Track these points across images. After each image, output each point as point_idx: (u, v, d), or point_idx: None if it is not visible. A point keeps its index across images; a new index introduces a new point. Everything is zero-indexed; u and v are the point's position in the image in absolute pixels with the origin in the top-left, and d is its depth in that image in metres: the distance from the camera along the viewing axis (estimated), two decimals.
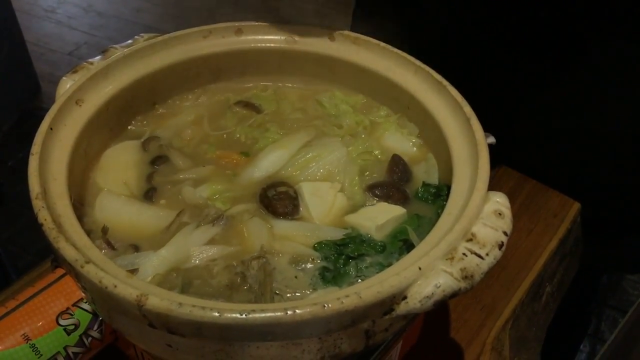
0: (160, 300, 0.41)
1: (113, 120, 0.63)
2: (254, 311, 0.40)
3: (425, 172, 0.63)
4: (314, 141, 0.65)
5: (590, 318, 1.55)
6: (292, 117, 0.70)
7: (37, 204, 0.48)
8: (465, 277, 0.44)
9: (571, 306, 1.05)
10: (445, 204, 0.52)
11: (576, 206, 0.89)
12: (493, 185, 0.50)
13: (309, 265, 0.53)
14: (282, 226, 0.56)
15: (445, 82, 0.61)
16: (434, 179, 0.62)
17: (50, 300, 0.61)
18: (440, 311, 0.75)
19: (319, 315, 0.41)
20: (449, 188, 0.54)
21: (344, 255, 0.53)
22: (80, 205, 0.57)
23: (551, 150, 0.93)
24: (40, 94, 2.65)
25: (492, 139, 0.59)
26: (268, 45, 0.70)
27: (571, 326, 1.33)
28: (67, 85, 0.60)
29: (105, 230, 0.55)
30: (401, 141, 0.66)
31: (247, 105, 0.70)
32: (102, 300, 0.46)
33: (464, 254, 0.45)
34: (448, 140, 0.58)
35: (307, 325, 0.41)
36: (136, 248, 0.54)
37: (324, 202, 0.58)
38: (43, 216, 0.47)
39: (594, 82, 0.83)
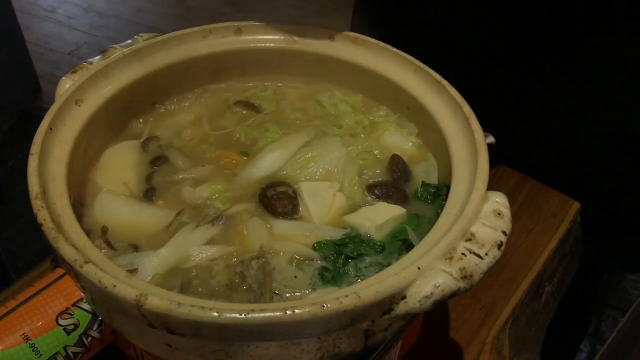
0: (160, 300, 0.41)
1: (112, 120, 0.63)
2: (253, 311, 0.40)
3: (425, 172, 0.63)
4: (313, 141, 0.65)
5: (590, 318, 1.55)
6: (292, 116, 0.70)
7: (37, 204, 0.48)
8: (464, 277, 0.44)
9: (571, 306, 1.05)
10: (444, 204, 0.52)
11: (576, 206, 0.89)
12: (493, 185, 0.51)
13: (308, 265, 0.53)
14: (282, 226, 0.56)
15: (444, 82, 0.61)
16: (433, 178, 0.62)
17: (50, 300, 0.61)
18: (439, 311, 0.75)
19: (318, 315, 0.41)
20: (448, 188, 0.54)
21: (343, 255, 0.53)
22: (79, 205, 0.57)
23: (551, 150, 0.93)
24: (40, 94, 2.65)
25: (491, 139, 0.59)
26: (268, 45, 0.70)
27: (571, 326, 1.33)
28: (66, 85, 0.60)
29: (104, 230, 0.55)
30: (401, 141, 0.66)
31: (247, 105, 0.70)
32: (101, 300, 0.46)
33: (463, 253, 0.45)
34: (447, 140, 0.58)
35: (306, 325, 0.41)
36: (136, 248, 0.54)
37: (324, 202, 0.58)
38: (42, 216, 0.47)
39: (594, 81, 0.83)
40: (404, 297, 0.43)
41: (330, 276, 0.52)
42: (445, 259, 0.45)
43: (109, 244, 0.54)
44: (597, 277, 1.29)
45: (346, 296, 0.41)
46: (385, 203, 0.59)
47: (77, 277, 0.45)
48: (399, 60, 0.65)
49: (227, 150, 0.65)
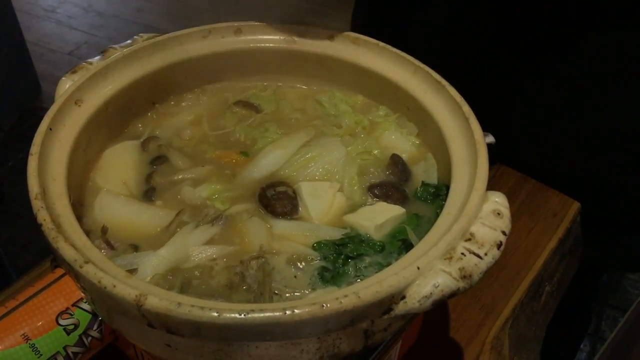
0: (159, 300, 0.41)
1: (112, 120, 0.63)
2: (252, 311, 0.40)
3: (425, 172, 0.63)
4: (313, 141, 0.65)
5: (590, 317, 1.55)
6: (292, 117, 0.70)
7: (37, 204, 0.48)
8: (463, 277, 0.44)
9: (571, 305, 1.05)
10: (444, 204, 0.52)
11: (576, 205, 0.89)
12: (493, 185, 0.51)
13: (308, 265, 0.53)
14: (281, 226, 0.56)
15: (444, 82, 0.61)
16: (433, 178, 0.62)
17: (50, 300, 0.61)
18: (439, 311, 0.75)
19: (317, 315, 0.41)
20: (447, 188, 0.54)
21: (343, 255, 0.53)
22: (79, 205, 0.57)
23: (551, 149, 0.93)
24: (40, 94, 2.65)
25: (491, 139, 0.60)
26: (267, 45, 0.70)
27: (571, 325, 1.33)
28: (66, 85, 0.60)
29: (104, 230, 0.55)
30: (400, 141, 0.66)
31: (247, 105, 0.70)
32: (101, 300, 0.46)
33: (462, 253, 0.45)
34: (447, 140, 0.58)
35: (305, 325, 0.42)
36: (135, 248, 0.54)
37: (323, 202, 0.58)
38: (42, 216, 0.47)
39: (594, 81, 0.83)
40: (403, 297, 0.43)
41: (330, 276, 0.52)
42: (445, 259, 0.45)
43: (108, 244, 0.54)
44: (597, 277, 1.29)
45: (346, 296, 0.41)
46: (385, 203, 0.59)
47: (77, 277, 0.45)
48: (398, 60, 0.65)
49: (226, 150, 0.65)
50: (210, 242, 0.55)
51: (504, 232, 0.47)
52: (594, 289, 1.33)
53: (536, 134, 0.92)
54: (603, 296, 1.75)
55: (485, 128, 0.57)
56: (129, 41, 0.66)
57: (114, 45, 0.65)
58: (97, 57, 0.64)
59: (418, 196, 0.60)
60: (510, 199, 0.51)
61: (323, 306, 0.41)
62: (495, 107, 0.79)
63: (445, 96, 0.60)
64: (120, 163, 0.62)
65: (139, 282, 0.45)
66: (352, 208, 0.59)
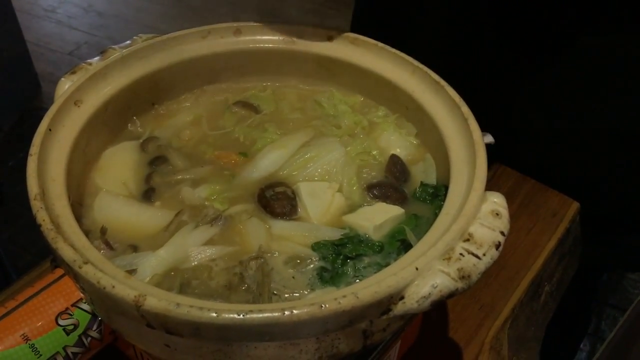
0: (158, 301, 0.41)
1: (112, 121, 0.64)
2: (251, 311, 0.40)
3: (423, 172, 0.63)
4: (312, 141, 0.66)
5: (590, 317, 1.55)
6: (291, 117, 0.70)
7: (36, 205, 0.48)
8: (462, 277, 0.44)
9: (571, 305, 1.05)
10: (442, 204, 0.52)
11: (575, 205, 0.89)
12: (492, 185, 0.51)
13: (307, 266, 0.53)
14: (280, 226, 0.57)
15: (443, 82, 0.61)
16: (432, 179, 0.62)
17: (50, 301, 0.61)
18: (438, 311, 0.75)
19: (316, 315, 0.41)
20: (446, 188, 0.54)
21: (342, 255, 0.53)
22: (79, 206, 0.57)
23: (550, 149, 0.93)
24: (41, 94, 2.65)
25: (490, 139, 0.60)
26: (267, 45, 0.70)
27: (571, 325, 1.33)
28: (65, 86, 0.60)
29: (103, 230, 0.55)
30: (399, 141, 0.66)
31: (246, 105, 0.70)
32: (100, 300, 0.46)
33: (461, 254, 0.45)
34: (446, 140, 0.58)
35: (304, 326, 0.42)
36: (135, 248, 0.54)
37: (322, 202, 0.58)
38: (41, 217, 0.47)
39: (593, 81, 0.83)
40: (402, 298, 0.43)
41: (329, 276, 0.52)
42: (443, 260, 0.45)
43: (108, 245, 0.54)
44: (597, 277, 1.29)
45: (344, 296, 0.41)
46: (384, 203, 0.59)
47: (76, 277, 0.45)
48: (397, 61, 0.65)
49: (226, 151, 0.65)
50: (209, 242, 0.55)
51: (502, 233, 0.47)
52: (594, 288, 1.33)
53: (535, 134, 0.92)
54: (603, 296, 1.75)
55: (484, 128, 0.57)
56: (128, 42, 0.66)
57: (113, 46, 0.65)
58: (97, 58, 0.64)
59: (417, 196, 0.60)
60: (510, 199, 0.51)
61: (322, 307, 0.41)
62: (494, 107, 0.79)
63: (444, 96, 0.60)
64: (119, 163, 0.62)
65: (138, 283, 0.45)
66: (351, 208, 0.59)
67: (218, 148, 0.65)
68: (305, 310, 0.41)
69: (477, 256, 0.45)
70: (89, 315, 0.62)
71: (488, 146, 0.55)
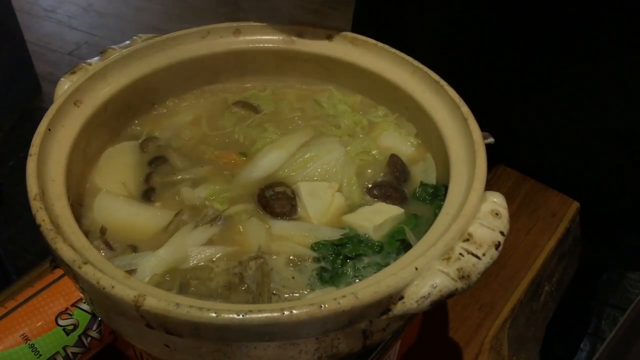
0: (158, 301, 0.41)
1: (111, 121, 0.64)
2: (251, 312, 0.40)
3: (423, 172, 0.63)
4: (312, 141, 0.66)
5: (590, 317, 1.55)
6: (291, 117, 0.70)
7: (35, 205, 0.48)
8: (461, 277, 0.44)
9: (571, 305, 1.05)
10: (442, 204, 0.52)
11: (575, 205, 0.89)
12: (492, 185, 0.51)
13: (307, 266, 0.53)
14: (280, 226, 0.57)
15: (442, 82, 0.61)
16: (431, 178, 0.62)
17: (50, 301, 0.61)
18: (438, 310, 0.75)
19: (315, 315, 0.41)
20: (446, 188, 0.54)
21: (341, 255, 0.53)
22: (78, 206, 0.57)
23: (550, 149, 0.93)
24: (41, 94, 2.66)
25: (490, 139, 0.60)
26: (266, 45, 0.70)
27: (571, 325, 1.33)
28: (65, 86, 0.60)
29: (103, 230, 0.55)
30: (399, 141, 0.66)
31: (246, 105, 0.70)
32: (100, 301, 0.46)
33: (460, 254, 0.45)
34: (446, 140, 0.58)
35: (304, 326, 0.42)
36: (134, 248, 0.54)
37: (322, 202, 0.58)
38: (41, 217, 0.47)
39: (593, 81, 0.83)
40: (401, 298, 0.43)
41: (329, 276, 0.52)
42: (443, 260, 0.45)
43: (107, 245, 0.54)
44: (597, 277, 1.29)
45: (344, 297, 0.41)
46: (384, 203, 0.59)
47: (76, 278, 0.45)
48: (397, 61, 0.65)
49: (225, 151, 0.65)
50: (209, 242, 0.55)
51: (502, 233, 0.47)
52: (594, 288, 1.33)
53: (535, 134, 0.92)
54: (603, 296, 1.75)
55: (484, 128, 0.57)
56: (127, 42, 0.66)
57: (113, 46, 0.65)
58: (96, 58, 0.64)
59: (417, 196, 0.60)
60: (510, 199, 0.51)
61: (321, 307, 0.41)
62: (494, 107, 0.79)
63: (444, 96, 0.60)
64: (119, 164, 0.62)
65: (138, 283, 0.45)
66: (351, 208, 0.59)
67: (218, 148, 0.65)
68: (305, 310, 0.41)
69: (476, 256, 0.45)
70: (89, 316, 0.62)
71: (489, 146, 0.55)
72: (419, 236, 0.49)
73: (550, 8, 0.80)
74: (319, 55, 0.69)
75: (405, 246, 0.54)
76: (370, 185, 0.61)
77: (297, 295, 0.51)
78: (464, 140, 0.56)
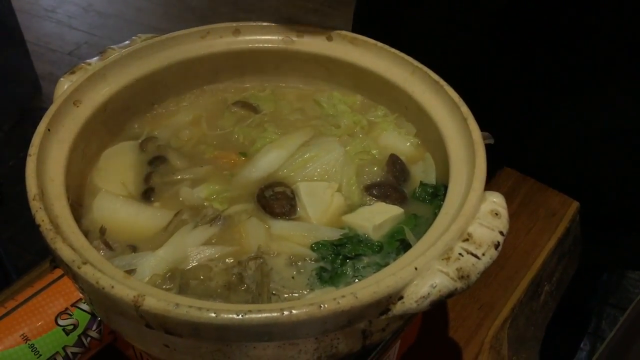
0: (157, 301, 0.41)
1: (111, 121, 0.64)
2: (250, 312, 0.40)
3: (423, 172, 0.63)
4: (311, 141, 0.65)
5: (590, 316, 1.55)
6: (290, 117, 0.70)
7: (35, 205, 0.48)
8: (461, 277, 0.44)
9: (571, 305, 1.05)
10: (442, 204, 0.52)
11: (575, 205, 0.89)
12: (492, 185, 0.51)
13: (306, 266, 0.53)
14: (280, 226, 0.57)
15: (442, 82, 0.61)
16: (431, 178, 0.62)
17: (50, 301, 0.61)
18: (438, 310, 0.75)
19: (315, 315, 0.41)
20: (446, 188, 0.54)
21: (341, 255, 0.53)
22: (78, 206, 0.57)
23: (550, 149, 0.93)
24: (41, 93, 2.66)
25: (490, 139, 0.59)
26: (266, 45, 0.70)
27: (571, 325, 1.33)
28: (64, 86, 0.60)
29: (103, 230, 0.55)
30: (399, 141, 0.66)
31: (245, 105, 0.70)
32: (99, 301, 0.46)
33: (460, 254, 0.45)
34: (445, 140, 0.58)
35: (303, 326, 0.42)
36: (134, 248, 0.54)
37: (322, 202, 0.58)
38: (40, 217, 0.47)
39: (593, 81, 0.83)
40: (401, 298, 0.43)
41: (328, 276, 0.52)
42: (443, 259, 0.45)
43: (107, 245, 0.54)
44: (597, 276, 1.29)
45: (343, 296, 0.41)
46: (384, 203, 0.59)
47: (75, 278, 0.45)
48: (397, 61, 0.65)
49: (225, 151, 0.65)
50: (208, 242, 0.55)
51: (501, 233, 0.47)
52: (594, 288, 1.33)
53: (536, 133, 0.92)
54: (603, 295, 1.75)
55: (484, 128, 0.57)
56: (127, 42, 0.66)
57: (112, 46, 0.65)
58: (96, 58, 0.64)
59: (416, 196, 0.60)
60: (509, 199, 0.51)
61: (321, 307, 0.41)
62: (494, 107, 0.79)
63: (443, 96, 0.60)
64: (118, 163, 0.62)
65: (137, 283, 0.45)
66: (351, 208, 0.59)
67: (217, 148, 0.65)
68: (304, 310, 0.41)
69: (476, 256, 0.45)
70: (89, 315, 0.62)
71: (488, 146, 0.55)
72: (419, 236, 0.49)
73: (550, 8, 0.80)
74: (319, 55, 0.69)
75: (405, 246, 0.54)
76: (369, 185, 0.61)
77: (296, 295, 0.51)
78: (463, 140, 0.56)
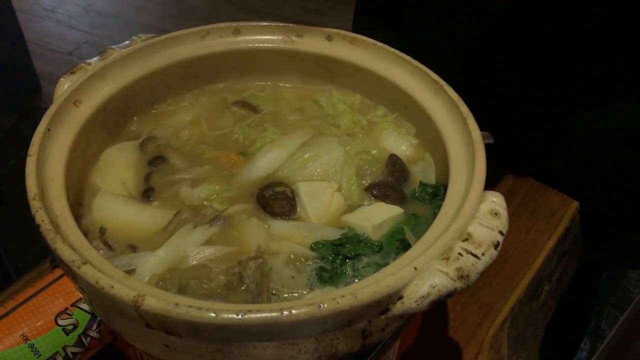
0: (157, 301, 0.41)
1: (111, 121, 0.64)
2: (250, 312, 0.40)
3: (423, 172, 0.63)
4: (311, 141, 0.66)
5: (590, 316, 1.55)
6: (290, 117, 0.70)
7: (35, 205, 0.48)
8: (461, 277, 0.44)
9: (571, 304, 1.05)
10: (442, 204, 0.52)
11: (574, 205, 0.89)
12: (491, 184, 0.51)
13: (306, 266, 0.53)
14: (279, 226, 0.57)
15: (442, 82, 0.61)
16: (431, 178, 0.62)
17: (49, 301, 0.61)
18: (438, 310, 0.75)
19: (315, 315, 0.41)
20: (445, 188, 0.54)
21: (341, 255, 0.53)
22: (78, 206, 0.57)
23: (550, 149, 0.93)
24: (41, 93, 2.66)
25: (490, 139, 0.59)
26: (265, 45, 0.70)
27: (571, 324, 1.33)
28: (64, 86, 0.60)
29: (102, 230, 0.55)
30: (398, 141, 0.66)
31: (245, 105, 0.70)
32: (99, 300, 0.46)
33: (459, 253, 0.45)
34: (445, 140, 0.58)
35: (303, 326, 0.42)
36: (134, 248, 0.54)
37: (321, 202, 0.58)
38: (40, 217, 0.47)
39: (593, 81, 0.83)
40: (400, 297, 0.43)
41: (328, 276, 0.52)
42: (442, 259, 0.45)
43: (107, 245, 0.54)
44: (597, 276, 1.29)
45: (343, 296, 0.41)
46: (383, 203, 0.59)
47: (75, 278, 0.45)
48: (396, 61, 0.65)
49: (225, 151, 0.65)
50: (208, 242, 0.55)
51: (501, 232, 0.47)
52: (594, 287, 1.34)
53: (536, 133, 0.92)
54: (603, 295, 1.75)
55: (484, 128, 0.57)
56: (127, 42, 0.66)
57: (112, 46, 0.65)
58: (96, 58, 0.64)
59: (416, 196, 0.60)
60: (509, 199, 0.51)
61: (320, 306, 0.41)
62: (494, 107, 0.79)
63: (443, 96, 0.60)
64: (118, 163, 0.62)
65: (137, 283, 0.45)
66: (350, 208, 0.59)
67: (217, 148, 0.65)
68: (304, 310, 0.41)
69: (475, 256, 0.45)
70: (89, 315, 0.62)
71: (488, 146, 0.55)
72: (418, 236, 0.49)
73: (550, 8, 0.80)
74: (319, 55, 0.69)
75: (405, 246, 0.54)
76: (369, 185, 0.61)
77: (296, 295, 0.51)
78: (463, 139, 0.56)
